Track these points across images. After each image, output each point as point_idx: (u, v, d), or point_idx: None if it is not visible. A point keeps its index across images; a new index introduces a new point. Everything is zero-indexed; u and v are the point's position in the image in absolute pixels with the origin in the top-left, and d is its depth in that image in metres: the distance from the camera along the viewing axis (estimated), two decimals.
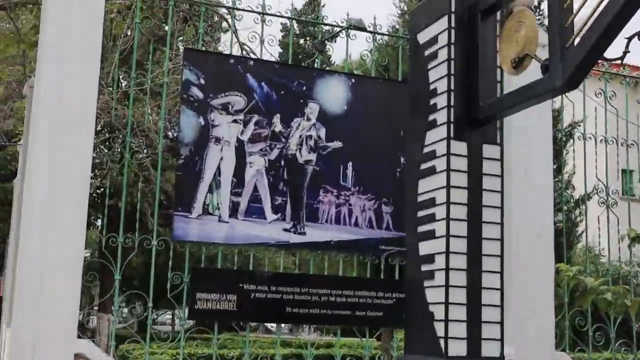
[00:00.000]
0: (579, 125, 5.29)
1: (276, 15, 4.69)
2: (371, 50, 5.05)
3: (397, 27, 10.61)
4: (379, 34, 5.05)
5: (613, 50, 3.14)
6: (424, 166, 3.13)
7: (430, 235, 3.00)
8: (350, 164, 4.43)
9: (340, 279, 4.48)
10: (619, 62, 3.46)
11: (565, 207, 7.62)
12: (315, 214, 4.32)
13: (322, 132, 4.40)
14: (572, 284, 3.97)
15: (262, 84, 4.29)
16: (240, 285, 4.00)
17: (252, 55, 6.10)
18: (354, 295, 4.19)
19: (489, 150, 3.07)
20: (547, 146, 4.80)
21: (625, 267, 5.30)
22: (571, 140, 9.41)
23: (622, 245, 4.75)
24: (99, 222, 14.76)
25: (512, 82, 3.17)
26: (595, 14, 2.50)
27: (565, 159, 7.50)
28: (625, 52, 3.37)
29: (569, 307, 4.64)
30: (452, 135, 2.98)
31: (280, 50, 12.90)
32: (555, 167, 5.90)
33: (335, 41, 5.21)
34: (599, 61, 3.88)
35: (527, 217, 4.43)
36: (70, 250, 3.63)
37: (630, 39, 3.58)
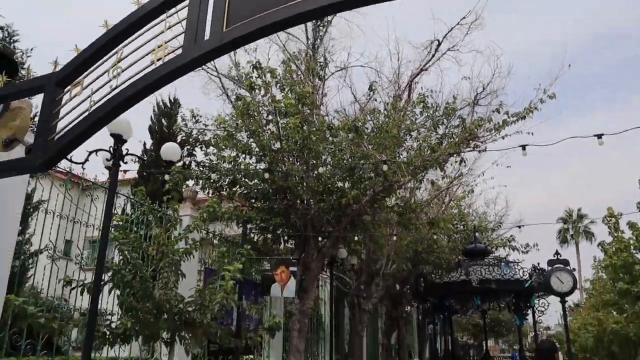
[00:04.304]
0: (44, 203, 6.86)
1: None
2: None
3: None
4: None
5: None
6: None
7: None
8: None
9: None
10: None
11: (22, 257, 8.89)
12: None
13: None
14: (17, 310, 5.15)
15: None
16: None
17: None
18: None
19: None
20: (18, 211, 6.17)
21: (56, 301, 6.82)
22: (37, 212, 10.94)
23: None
24: None
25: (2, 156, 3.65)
26: (69, 127, 3.29)
27: (29, 224, 8.77)
28: (86, 161, 5.00)
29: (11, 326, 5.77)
30: None
31: None
32: (21, 227, 7.59)
33: None
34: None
35: None
36: None
37: (90, 153, 5.28)
